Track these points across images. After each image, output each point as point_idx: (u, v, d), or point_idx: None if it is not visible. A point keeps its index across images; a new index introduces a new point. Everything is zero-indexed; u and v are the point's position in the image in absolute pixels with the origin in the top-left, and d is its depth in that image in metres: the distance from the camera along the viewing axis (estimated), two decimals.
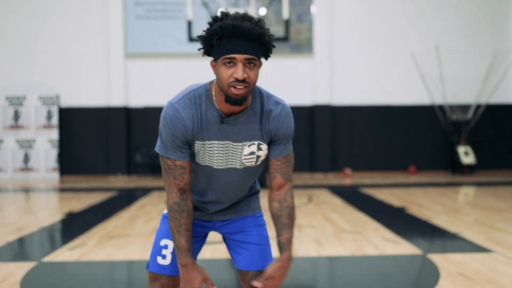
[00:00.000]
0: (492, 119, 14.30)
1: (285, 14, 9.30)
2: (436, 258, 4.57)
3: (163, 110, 2.00)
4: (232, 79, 1.84)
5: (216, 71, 1.89)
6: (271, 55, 1.97)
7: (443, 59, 14.04)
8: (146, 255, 4.69)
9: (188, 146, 1.98)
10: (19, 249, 5.28)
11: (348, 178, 13.38)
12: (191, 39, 10.10)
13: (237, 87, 1.84)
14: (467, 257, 4.60)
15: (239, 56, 1.82)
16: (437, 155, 14.44)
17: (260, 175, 2.24)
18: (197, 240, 2.20)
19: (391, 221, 6.59)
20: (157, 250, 2.13)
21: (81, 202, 8.66)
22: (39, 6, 14.05)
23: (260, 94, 2.02)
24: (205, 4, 11.66)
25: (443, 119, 14.19)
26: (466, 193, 10.16)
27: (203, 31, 1.90)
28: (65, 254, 4.93)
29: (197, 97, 1.96)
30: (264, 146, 2.03)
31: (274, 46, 1.93)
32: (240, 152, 2.00)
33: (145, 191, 10.48)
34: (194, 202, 2.14)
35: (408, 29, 14.37)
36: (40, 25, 14.07)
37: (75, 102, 14.11)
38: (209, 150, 1.97)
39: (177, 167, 1.96)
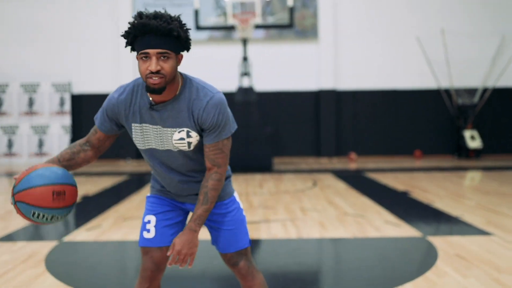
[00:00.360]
0: (499, 103, 14.39)
1: (290, 1, 9.42)
2: (435, 240, 4.80)
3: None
4: (147, 72, 2.04)
5: (138, 64, 2.09)
6: (190, 47, 2.13)
7: (449, 43, 14.11)
8: None
9: (113, 123, 2.29)
10: (41, 230, 5.57)
11: (353, 162, 13.59)
12: (198, 27, 10.24)
13: (153, 78, 2.04)
14: (465, 239, 4.83)
15: (151, 51, 2.02)
16: (443, 140, 14.59)
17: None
18: (176, 216, 2.41)
19: (394, 205, 6.82)
20: (143, 226, 2.36)
21: (94, 186, 8.97)
22: None
23: (191, 86, 2.17)
24: None
25: (449, 103, 14.31)
26: (471, 177, 10.34)
27: (124, 31, 2.10)
28: (83, 234, 5.22)
29: (138, 85, 2.20)
30: (194, 133, 2.18)
31: (189, 39, 2.11)
32: (171, 136, 2.19)
33: None
34: (161, 187, 2.42)
35: (413, 13, 14.43)
36: (52, 14, 14.28)
37: (87, 88, 14.38)
38: (146, 132, 2.22)
39: (95, 132, 2.33)
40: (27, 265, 4.15)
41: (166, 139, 2.21)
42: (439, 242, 4.72)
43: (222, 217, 2.36)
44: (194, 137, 2.19)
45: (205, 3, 11.86)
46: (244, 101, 11.43)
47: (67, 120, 14.26)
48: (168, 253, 2.18)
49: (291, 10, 9.62)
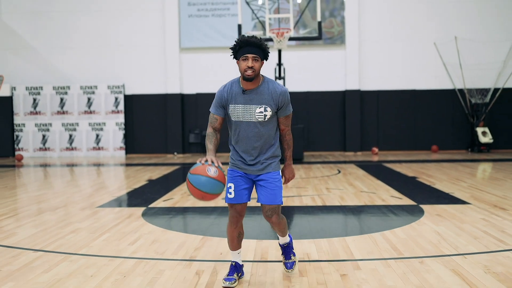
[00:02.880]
0: (509, 102, 15.73)
1: (318, 17, 11.08)
2: (425, 207, 6.42)
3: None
4: (245, 67, 3.30)
5: (239, 66, 3.34)
6: (268, 57, 3.42)
7: (464, 48, 15.51)
8: (217, 203, 6.71)
9: (223, 108, 3.45)
10: (130, 200, 7.40)
11: (376, 156, 15.14)
12: None
13: (248, 71, 3.30)
14: (447, 206, 6.43)
15: (249, 55, 3.31)
16: (458, 136, 16.02)
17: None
18: (247, 186, 3.55)
19: (401, 186, 8.44)
20: (227, 190, 3.53)
21: (154, 173, 10.83)
22: (106, 8, 16.24)
23: (268, 81, 3.44)
24: (248, 4, 13.54)
25: (463, 102, 15.71)
26: (475, 167, 11.80)
27: (232, 46, 3.39)
28: (162, 204, 7.02)
29: (233, 82, 3.47)
30: (269, 109, 3.38)
31: (268, 52, 3.39)
32: (254, 110, 3.38)
33: None
34: (237, 161, 3.53)
35: (431, 20, 15.89)
36: (107, 24, 16.28)
37: (138, 90, 16.34)
38: (237, 110, 3.42)
39: (215, 119, 3.48)
40: (130, 219, 5.95)
41: (250, 113, 3.39)
42: (427, 207, 6.35)
43: (272, 180, 3.51)
44: (268, 112, 3.39)
45: (245, 17, 13.59)
46: None
47: (121, 118, 16.23)
48: (284, 181, 3.60)
49: (319, 24, 11.25)
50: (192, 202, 7.09)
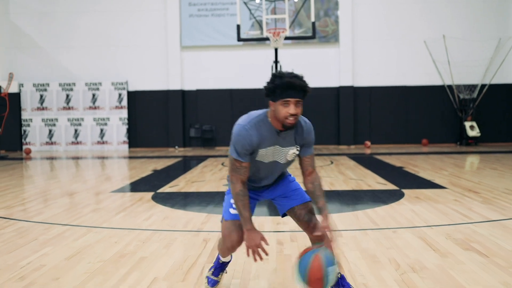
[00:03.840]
0: (495, 98, 16.48)
1: (312, 18, 11.78)
2: (406, 191, 7.14)
3: (236, 128, 2.81)
4: (288, 114, 2.70)
5: (275, 108, 2.72)
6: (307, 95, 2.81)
7: (452, 46, 16.24)
8: (219, 189, 7.43)
9: (250, 153, 2.82)
10: (139, 187, 8.12)
11: (368, 149, 15.87)
12: (239, 39, 12.64)
13: (290, 119, 2.71)
14: (426, 190, 7.15)
15: (292, 100, 2.69)
16: (447, 130, 16.76)
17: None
18: (253, 204, 3.06)
19: (388, 174, 9.16)
20: (229, 204, 3.01)
21: (159, 164, 11.54)
22: (111, 9, 16.92)
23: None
24: (246, 4, 14.23)
25: (452, 98, 16.44)
26: (459, 158, 12.53)
27: (267, 83, 2.75)
28: (168, 189, 7.73)
29: (260, 122, 2.81)
30: (297, 148, 2.91)
31: (310, 91, 2.77)
32: (287, 152, 2.89)
33: (202, 158, 13.31)
34: (250, 187, 3.00)
35: (421, 20, 16.61)
36: (111, 23, 16.96)
37: (141, 86, 17.03)
38: (268, 152, 2.87)
39: (242, 166, 2.84)
40: (142, 202, 6.66)
41: (279, 154, 2.88)
42: (408, 191, 7.07)
43: (289, 183, 3.11)
44: (296, 151, 2.93)
45: (243, 16, 14.28)
46: None
47: (124, 113, 16.92)
48: (317, 233, 2.87)
49: (313, 24, 11.96)
50: (196, 187, 7.80)
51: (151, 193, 7.29)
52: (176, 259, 3.92)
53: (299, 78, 2.74)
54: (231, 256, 3.30)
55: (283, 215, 3.17)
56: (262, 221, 5.28)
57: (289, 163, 2.99)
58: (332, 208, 6.15)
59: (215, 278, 3.28)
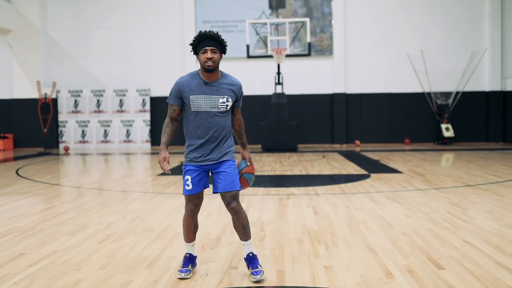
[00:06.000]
0: (468, 103, 19.03)
1: (308, 39, 14.40)
2: (373, 175, 9.72)
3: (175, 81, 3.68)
4: (206, 59, 3.46)
5: (199, 59, 3.50)
6: (226, 51, 3.55)
7: (431, 58, 18.81)
8: None
9: (180, 99, 3.56)
10: (175, 172, 10.70)
11: (358, 147, 18.46)
12: (248, 56, 15.25)
13: (209, 62, 3.45)
14: (387, 174, 9.73)
15: (208, 48, 3.47)
16: (426, 131, 19.32)
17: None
18: (202, 176, 3.65)
19: (365, 164, 11.75)
20: (184, 182, 3.66)
21: (182, 158, 14.15)
22: (133, 25, 19.57)
23: (226, 75, 3.60)
24: (254, 27, 16.87)
25: (431, 103, 19.02)
26: (429, 154, 15.08)
27: (191, 41, 3.54)
28: None
29: (192, 75, 3.59)
30: (230, 100, 3.57)
31: (225, 46, 3.53)
32: (217, 101, 3.54)
33: None
34: (193, 155, 3.63)
35: (405, 35, 19.19)
36: (135, 37, 19.59)
37: (161, 93, 19.65)
38: (199, 100, 3.54)
39: (173, 109, 3.63)
40: (182, 182, 9.26)
41: (212, 103, 3.54)
42: (374, 175, 9.66)
43: (229, 168, 3.62)
44: (230, 102, 3.59)
45: (250, 33, 16.92)
46: (277, 102, 16.49)
47: (147, 116, 19.55)
48: (244, 165, 3.77)
49: (309, 45, 14.58)
50: None
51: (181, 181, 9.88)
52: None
53: (213, 32, 3.54)
54: (193, 246, 3.85)
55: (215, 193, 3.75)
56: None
57: (221, 116, 3.58)
58: (318, 182, 8.75)
59: (186, 269, 3.71)
